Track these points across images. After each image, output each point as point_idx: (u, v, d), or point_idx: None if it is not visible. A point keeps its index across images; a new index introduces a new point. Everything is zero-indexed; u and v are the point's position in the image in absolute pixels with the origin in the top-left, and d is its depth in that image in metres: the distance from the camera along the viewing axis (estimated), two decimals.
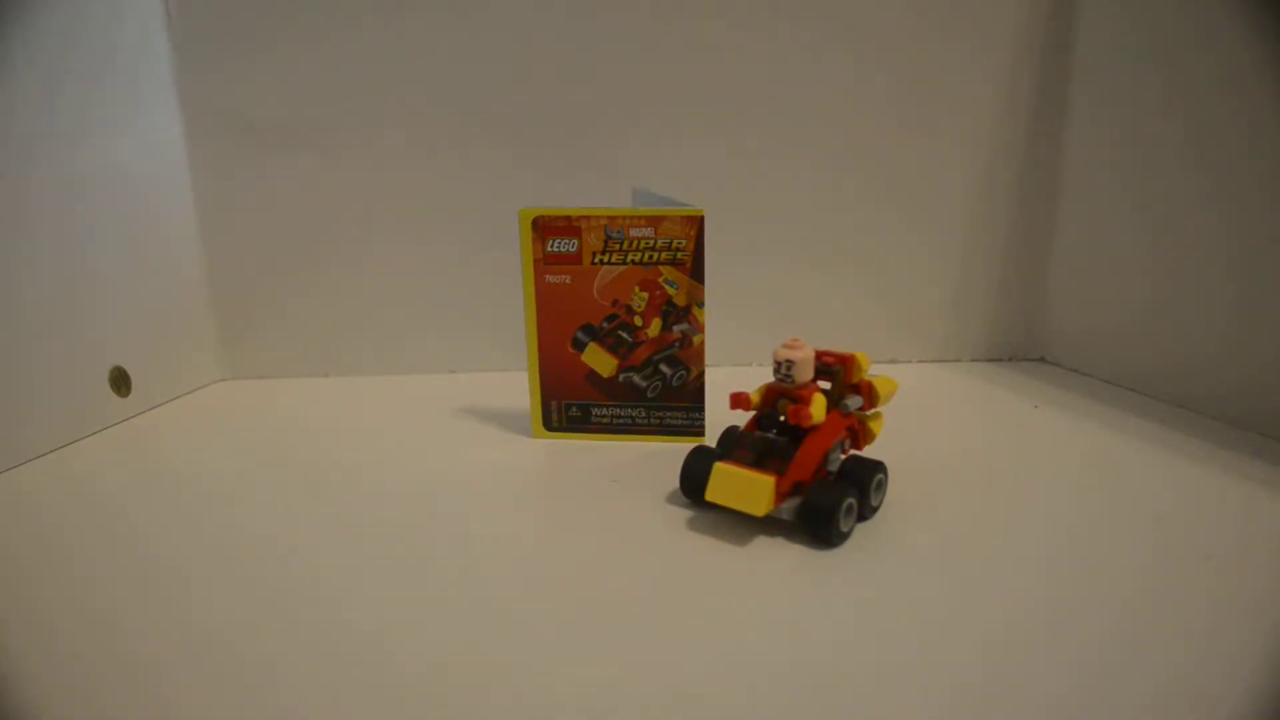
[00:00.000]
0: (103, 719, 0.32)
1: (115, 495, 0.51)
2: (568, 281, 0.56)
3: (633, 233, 0.54)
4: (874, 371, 0.48)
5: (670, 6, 0.68)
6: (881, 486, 0.46)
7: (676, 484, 0.48)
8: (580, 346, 0.57)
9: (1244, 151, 0.56)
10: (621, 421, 0.58)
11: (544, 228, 0.55)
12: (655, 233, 0.54)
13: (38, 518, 0.49)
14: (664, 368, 0.56)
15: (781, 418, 0.45)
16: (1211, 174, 0.59)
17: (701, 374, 0.56)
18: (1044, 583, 0.39)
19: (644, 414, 0.57)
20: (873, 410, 0.48)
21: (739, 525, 0.45)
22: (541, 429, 0.59)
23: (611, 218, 0.54)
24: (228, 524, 0.47)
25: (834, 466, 0.46)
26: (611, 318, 0.56)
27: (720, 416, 0.51)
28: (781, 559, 0.42)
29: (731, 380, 0.53)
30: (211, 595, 0.40)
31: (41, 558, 0.44)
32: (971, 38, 0.69)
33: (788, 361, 0.44)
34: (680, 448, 0.50)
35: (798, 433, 0.45)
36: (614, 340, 0.57)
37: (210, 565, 0.42)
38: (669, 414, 0.57)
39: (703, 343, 0.56)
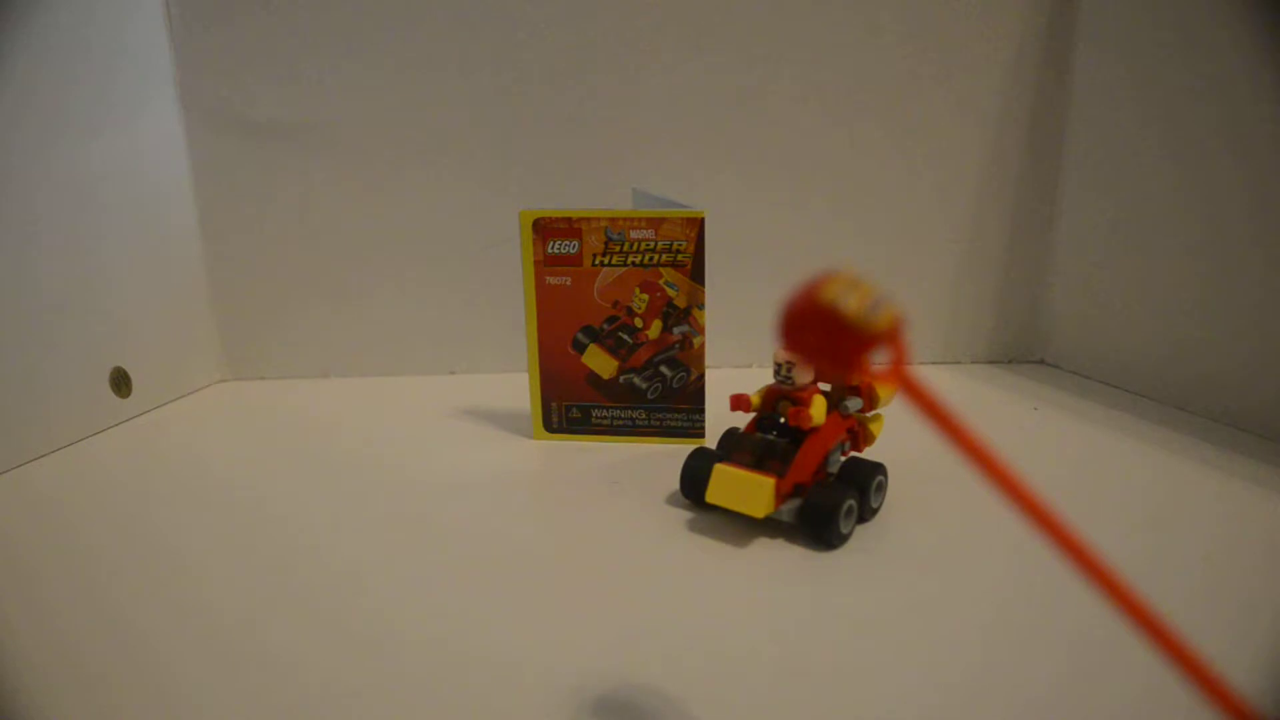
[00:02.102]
0: (114, 713, 0.32)
1: (122, 492, 0.52)
2: (568, 283, 0.56)
3: (633, 234, 0.54)
4: None
5: (671, 10, 0.68)
6: (881, 488, 0.46)
7: (677, 485, 0.48)
8: (581, 348, 0.57)
9: (1242, 155, 0.56)
10: (622, 423, 0.58)
11: (545, 229, 0.55)
12: (656, 234, 0.54)
13: (46, 513, 0.49)
14: (664, 369, 0.56)
15: (782, 419, 0.45)
16: (1211, 178, 0.59)
17: (702, 375, 0.56)
18: (1042, 584, 0.39)
19: (644, 416, 0.57)
20: (873, 412, 0.48)
21: (739, 527, 0.45)
22: (542, 430, 0.59)
23: (612, 219, 0.54)
24: (233, 522, 0.47)
25: (834, 468, 0.46)
26: (612, 319, 0.56)
27: (720, 418, 0.51)
28: (781, 560, 0.42)
29: (731, 382, 0.53)
30: (220, 589, 0.40)
31: (50, 552, 0.44)
32: (972, 40, 0.69)
33: (788, 363, 0.44)
34: (680, 449, 0.50)
35: (798, 434, 0.45)
36: (614, 342, 0.57)
37: (217, 560, 0.43)
38: (669, 416, 0.57)
39: (703, 344, 0.56)
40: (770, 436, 0.45)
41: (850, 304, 0.20)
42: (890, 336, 0.21)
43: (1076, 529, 0.22)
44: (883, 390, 0.48)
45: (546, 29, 0.69)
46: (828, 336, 0.20)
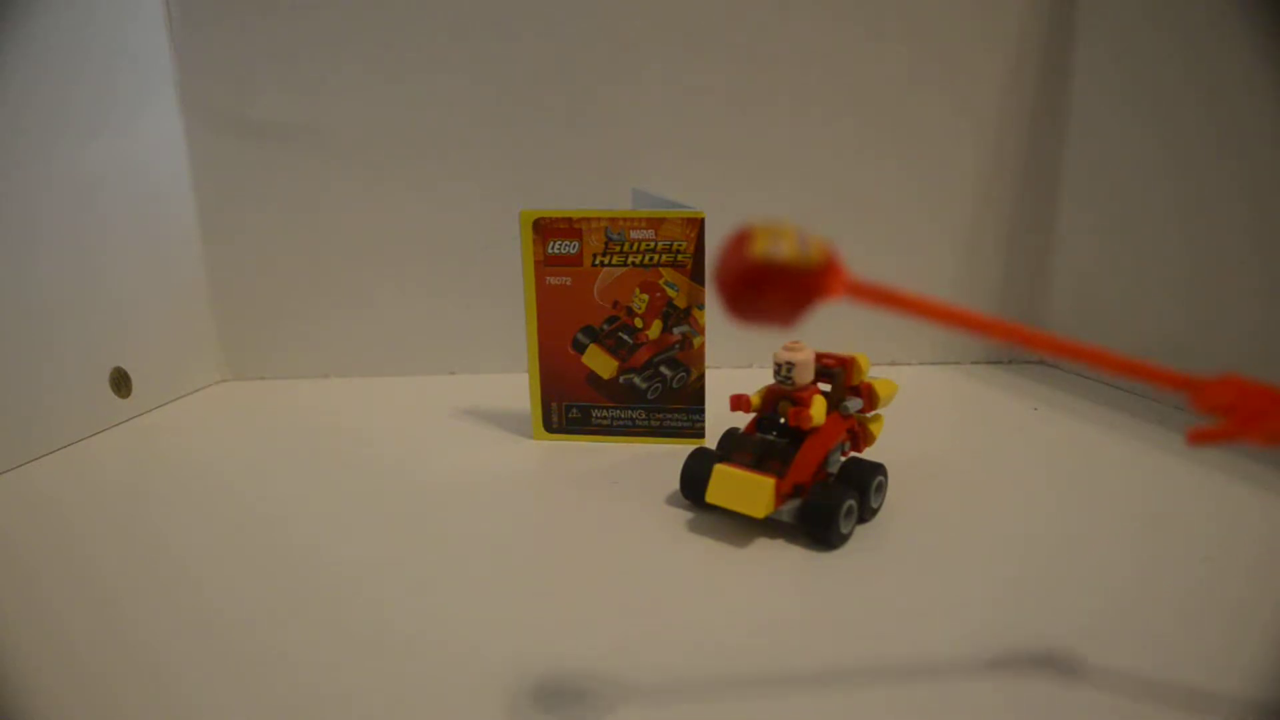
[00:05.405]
0: (114, 713, 0.32)
1: (122, 492, 0.52)
2: (568, 283, 0.56)
3: (633, 234, 0.54)
4: (874, 373, 0.48)
5: (671, 10, 0.68)
6: (881, 488, 0.46)
7: (677, 486, 0.48)
8: (581, 348, 0.57)
9: (1240, 156, 0.56)
10: (621, 423, 0.58)
11: (545, 229, 0.55)
12: (656, 234, 0.54)
13: (46, 513, 0.49)
14: (664, 369, 0.56)
15: (782, 420, 0.46)
16: (1210, 179, 0.59)
17: (702, 376, 0.56)
18: (1042, 585, 0.39)
19: (644, 416, 0.57)
20: (873, 412, 0.48)
21: (739, 527, 0.45)
22: (542, 430, 0.59)
23: (612, 219, 0.54)
24: (233, 522, 0.47)
25: (834, 468, 0.46)
26: (612, 319, 0.56)
27: (720, 418, 0.51)
28: (781, 560, 0.42)
29: (732, 382, 0.53)
30: (220, 589, 0.40)
31: (50, 552, 0.44)
32: (972, 42, 0.69)
33: (788, 363, 0.44)
34: (680, 449, 0.50)
35: (798, 435, 0.45)
36: (614, 342, 0.57)
37: (217, 560, 0.42)
38: (669, 416, 0.57)
39: (703, 344, 0.56)
40: (770, 436, 0.45)
41: (783, 250, 0.20)
42: (830, 265, 0.20)
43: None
44: (883, 390, 0.48)
45: (547, 29, 0.69)
46: (781, 290, 0.20)
